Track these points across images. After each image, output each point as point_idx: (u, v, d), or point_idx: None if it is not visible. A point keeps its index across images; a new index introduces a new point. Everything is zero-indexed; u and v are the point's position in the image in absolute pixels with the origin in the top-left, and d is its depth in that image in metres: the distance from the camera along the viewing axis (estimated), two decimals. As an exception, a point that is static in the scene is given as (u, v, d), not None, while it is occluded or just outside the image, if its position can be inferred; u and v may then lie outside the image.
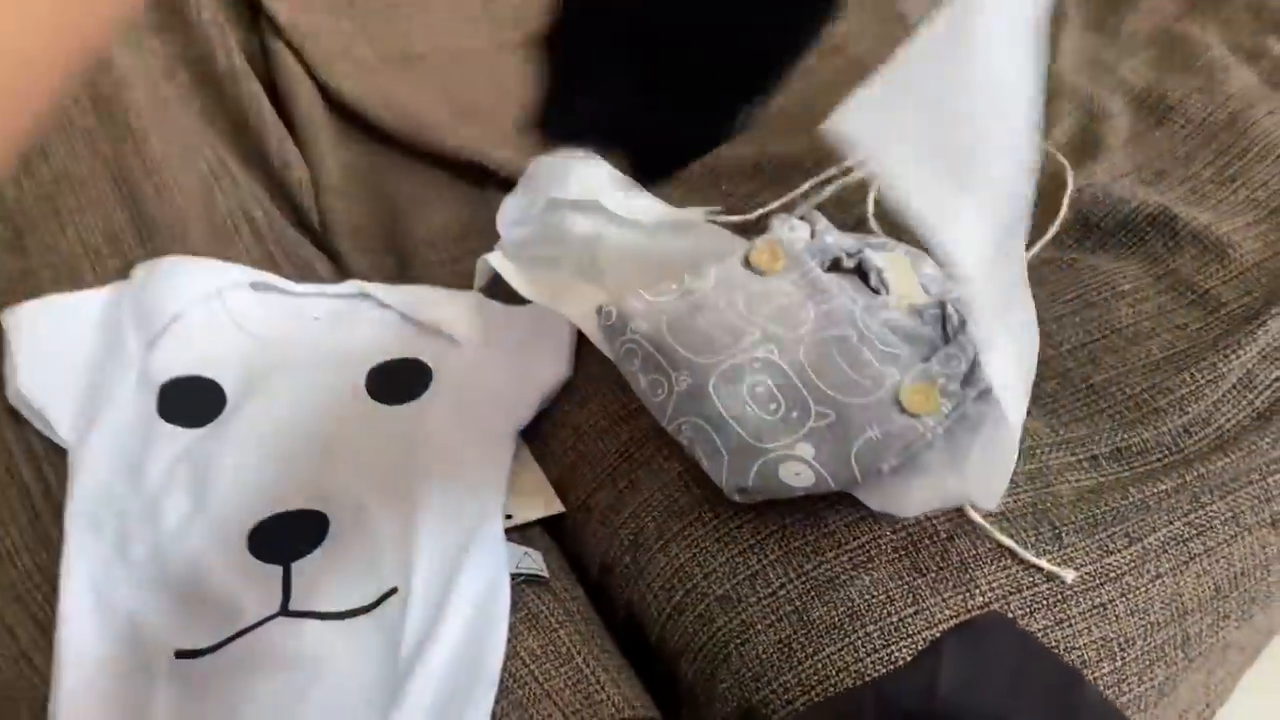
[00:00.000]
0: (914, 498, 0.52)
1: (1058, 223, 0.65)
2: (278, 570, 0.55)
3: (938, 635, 0.50)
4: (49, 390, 0.61)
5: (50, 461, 0.60)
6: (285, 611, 0.53)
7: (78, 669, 0.52)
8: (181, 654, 0.52)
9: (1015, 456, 0.48)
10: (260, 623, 0.53)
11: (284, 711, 0.50)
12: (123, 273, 0.66)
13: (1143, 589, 0.52)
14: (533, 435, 0.64)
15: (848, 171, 0.70)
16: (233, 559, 0.55)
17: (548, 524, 0.61)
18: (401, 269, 0.75)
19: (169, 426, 0.61)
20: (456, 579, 0.52)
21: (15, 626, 0.55)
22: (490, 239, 0.74)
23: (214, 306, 0.66)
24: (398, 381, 0.63)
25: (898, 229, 0.67)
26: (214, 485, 0.58)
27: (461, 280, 0.72)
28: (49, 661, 0.53)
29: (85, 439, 0.60)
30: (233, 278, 0.67)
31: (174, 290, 0.65)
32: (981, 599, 0.51)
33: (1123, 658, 0.51)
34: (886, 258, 0.59)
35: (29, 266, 0.64)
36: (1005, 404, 0.44)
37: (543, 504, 0.61)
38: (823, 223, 0.63)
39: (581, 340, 0.66)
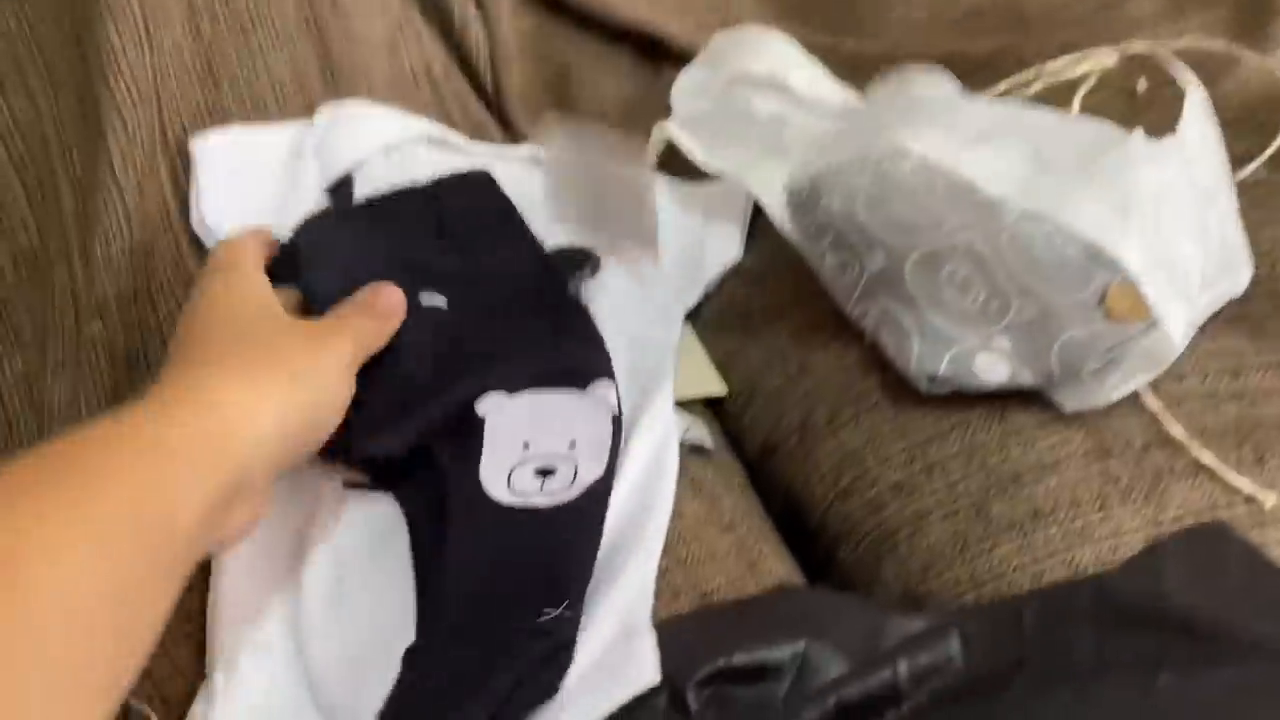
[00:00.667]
0: (1108, 393, 0.50)
1: (1277, 143, 0.61)
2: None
3: (1124, 544, 0.48)
4: (231, 221, 0.62)
5: (229, 289, 0.61)
6: None
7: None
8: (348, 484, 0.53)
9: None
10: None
11: None
12: (307, 112, 0.66)
13: (1348, 523, 0.49)
14: (697, 316, 0.63)
15: (1046, 74, 0.66)
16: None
17: (709, 404, 0.60)
18: (570, 141, 0.74)
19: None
20: (630, 434, 0.52)
21: (191, 441, 0.56)
22: (662, 115, 0.73)
23: (393, 159, 0.66)
24: (567, 265, 0.63)
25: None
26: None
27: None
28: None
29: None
30: (412, 131, 0.66)
31: (356, 137, 0.65)
32: (1174, 513, 0.48)
33: (1318, 592, 0.48)
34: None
35: (218, 98, 0.64)
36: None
37: (705, 384, 0.60)
38: (1026, 119, 0.60)
39: (754, 223, 0.65)
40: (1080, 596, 0.41)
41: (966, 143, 0.49)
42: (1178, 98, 0.66)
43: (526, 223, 0.62)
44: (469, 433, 0.50)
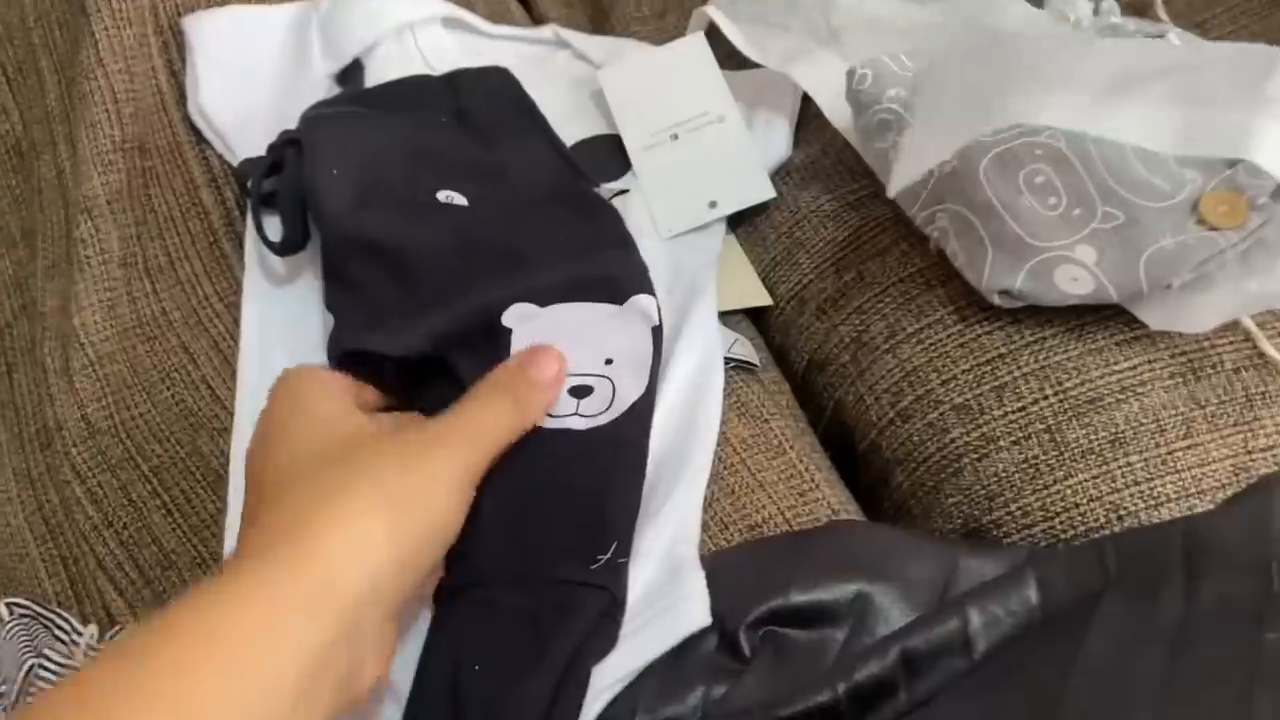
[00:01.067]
0: (1203, 314, 0.45)
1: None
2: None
3: (1210, 475, 0.44)
4: (231, 110, 0.57)
5: (230, 185, 0.56)
6: None
7: (256, 403, 0.50)
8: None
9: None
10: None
11: None
12: (311, -10, 0.61)
13: None
14: (740, 220, 0.58)
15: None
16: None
17: (753, 315, 0.56)
18: (597, 22, 0.68)
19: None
20: (670, 352, 0.48)
21: (197, 353, 0.52)
22: (701, -2, 0.67)
23: (405, 41, 0.60)
24: (598, 158, 0.57)
25: (1188, 19, 0.58)
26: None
27: (665, 39, 0.65)
28: (230, 390, 0.51)
29: (268, 166, 0.56)
30: (426, 10, 0.60)
31: (365, 19, 0.59)
32: (1265, 441, 0.44)
33: None
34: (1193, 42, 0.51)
35: (213, -29, 0.59)
36: None
37: (750, 295, 0.56)
38: (1109, 1, 0.54)
39: (803, 116, 0.59)
40: (1171, 538, 0.37)
41: (1103, 98, 0.43)
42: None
43: (548, 120, 0.57)
44: (494, 346, 0.46)
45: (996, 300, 0.47)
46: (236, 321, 0.52)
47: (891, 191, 0.49)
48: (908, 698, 0.38)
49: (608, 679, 0.38)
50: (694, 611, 0.40)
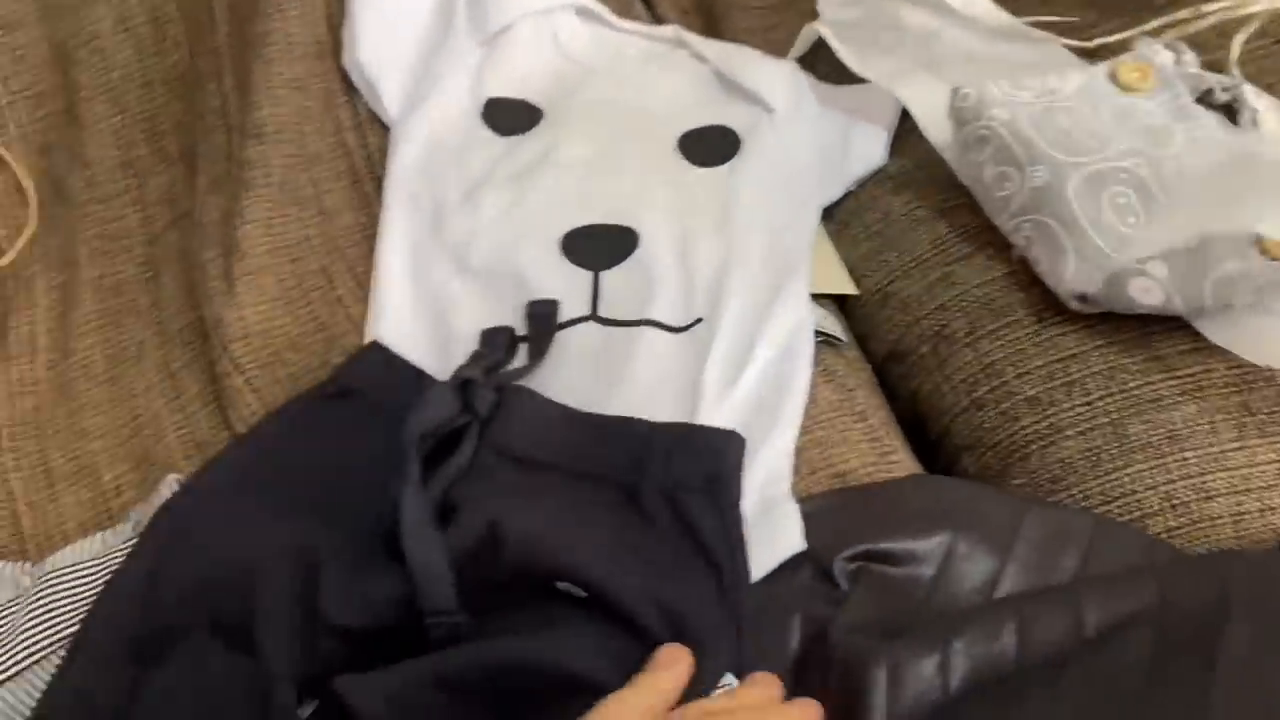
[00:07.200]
0: (1264, 346, 0.50)
1: None
2: (588, 276, 0.55)
3: (1257, 474, 0.49)
4: (382, 65, 0.62)
5: (374, 131, 0.61)
6: (595, 316, 0.54)
7: (390, 326, 0.54)
8: (490, 335, 0.54)
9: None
10: (571, 322, 0.54)
11: (587, 403, 0.51)
12: (462, -33, 0.66)
13: None
14: (834, 216, 0.63)
15: (1201, 15, 0.66)
16: (547, 257, 0.56)
17: (837, 302, 0.61)
18: (710, 29, 0.74)
19: (488, 132, 0.62)
20: (765, 317, 0.53)
21: (334, 275, 0.57)
22: (805, 13, 0.72)
23: (541, 25, 0.66)
24: (708, 146, 0.62)
25: (1260, 81, 0.63)
26: (533, 188, 0.58)
27: (772, 50, 0.71)
28: (362, 310, 0.55)
29: (410, 117, 0.61)
30: (563, -1, 0.66)
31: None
32: (1308, 452, 0.49)
33: None
34: (1267, 100, 0.56)
35: (377, -60, 0.64)
36: None
37: (836, 282, 0.60)
38: (1189, 54, 0.60)
39: (898, 130, 0.65)
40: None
41: None
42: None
43: None
44: None
45: (1074, 305, 0.52)
46: (371, 250, 0.56)
47: None
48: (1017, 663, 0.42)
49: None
50: (790, 538, 0.44)
